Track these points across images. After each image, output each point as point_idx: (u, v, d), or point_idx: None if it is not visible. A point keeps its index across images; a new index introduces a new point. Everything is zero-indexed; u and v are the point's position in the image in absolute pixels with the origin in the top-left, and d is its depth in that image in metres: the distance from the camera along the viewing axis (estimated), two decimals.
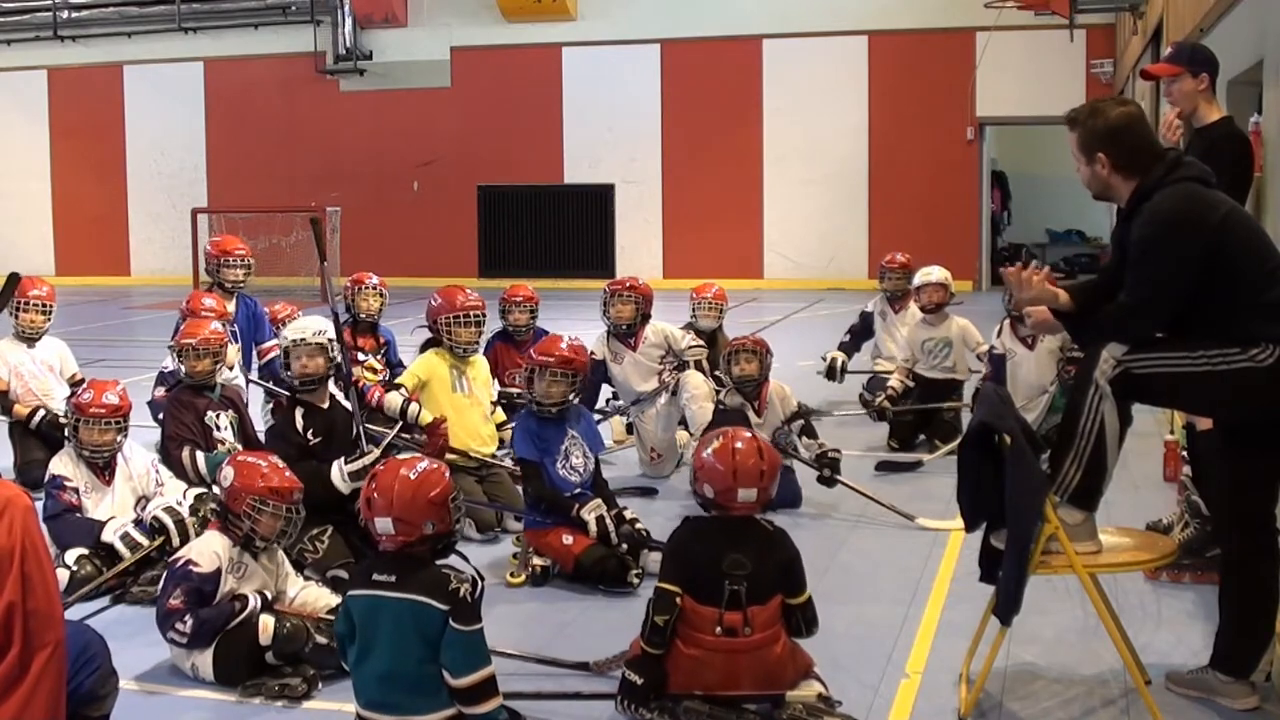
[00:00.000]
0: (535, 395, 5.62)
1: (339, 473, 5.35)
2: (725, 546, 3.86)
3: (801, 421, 6.75)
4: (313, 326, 5.79)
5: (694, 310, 8.72)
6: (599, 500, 5.57)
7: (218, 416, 6.34)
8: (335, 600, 4.64)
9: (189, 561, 4.47)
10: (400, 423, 6.59)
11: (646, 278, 8.98)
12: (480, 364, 6.94)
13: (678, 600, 3.81)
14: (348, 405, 5.77)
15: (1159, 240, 3.85)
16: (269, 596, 4.51)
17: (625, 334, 7.64)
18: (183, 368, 6.41)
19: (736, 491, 3.91)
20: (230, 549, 4.51)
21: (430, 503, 3.63)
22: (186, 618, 4.34)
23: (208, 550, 4.50)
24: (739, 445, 3.99)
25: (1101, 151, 3.97)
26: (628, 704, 3.84)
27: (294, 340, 5.69)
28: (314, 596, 4.72)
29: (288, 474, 4.65)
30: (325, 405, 5.75)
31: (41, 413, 7.23)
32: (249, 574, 4.55)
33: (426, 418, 6.43)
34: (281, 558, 4.75)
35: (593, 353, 7.53)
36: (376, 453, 5.44)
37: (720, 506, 3.95)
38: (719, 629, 3.81)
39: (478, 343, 6.78)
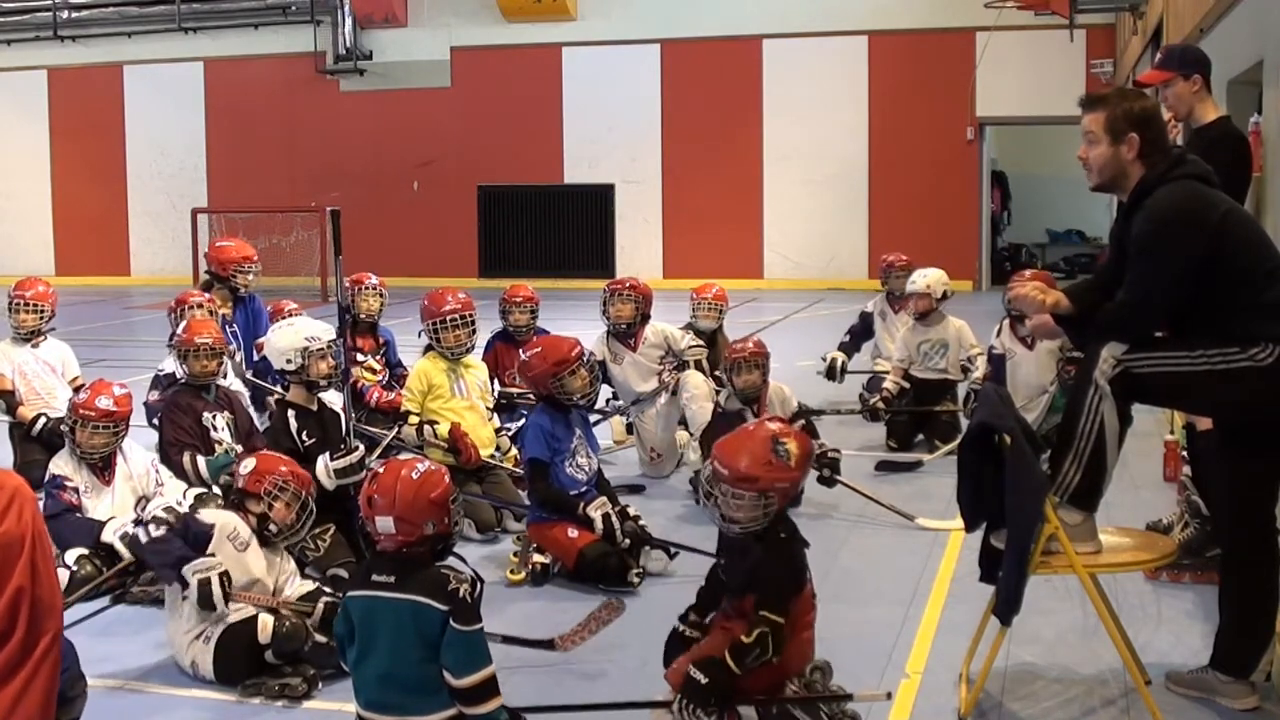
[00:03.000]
0: (566, 395, 5.63)
1: (324, 468, 5.35)
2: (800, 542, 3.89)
3: (801, 422, 6.75)
4: (321, 328, 5.82)
5: (694, 310, 8.71)
6: (604, 498, 5.59)
7: (214, 418, 6.33)
8: (309, 587, 4.70)
9: (195, 509, 4.73)
10: (399, 425, 6.60)
11: (646, 278, 8.99)
12: (477, 367, 6.93)
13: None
14: (334, 407, 5.76)
15: (1159, 238, 3.85)
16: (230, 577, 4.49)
17: (625, 334, 7.64)
18: (184, 368, 6.39)
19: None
20: (237, 523, 4.59)
21: (431, 503, 3.63)
22: (162, 529, 4.48)
23: (215, 512, 4.65)
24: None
25: (1135, 132, 3.95)
26: (687, 704, 3.68)
27: (317, 345, 5.72)
28: (300, 590, 4.74)
29: (305, 471, 4.87)
30: (315, 408, 5.75)
31: (43, 420, 7.22)
32: (250, 551, 4.58)
33: (443, 430, 6.44)
34: (286, 556, 4.77)
35: (592, 353, 7.52)
36: (361, 449, 5.45)
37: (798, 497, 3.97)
38: (813, 596, 3.87)
39: (467, 345, 6.73)
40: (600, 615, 4.66)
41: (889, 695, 3.94)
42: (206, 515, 4.63)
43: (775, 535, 3.79)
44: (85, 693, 3.33)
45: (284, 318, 7.77)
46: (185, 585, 4.41)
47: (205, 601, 4.37)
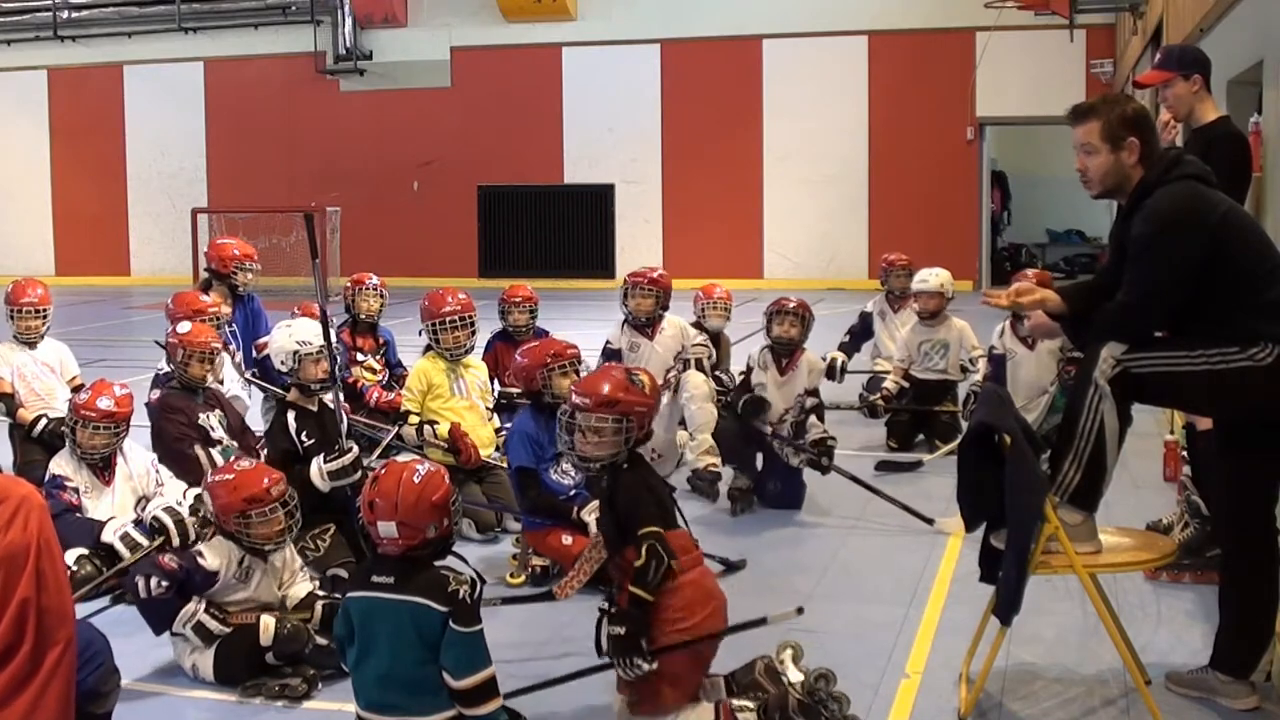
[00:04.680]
0: (552, 392, 5.60)
1: (318, 471, 5.34)
2: (656, 474, 4.00)
3: (815, 400, 6.76)
4: (316, 331, 5.83)
5: (702, 310, 8.72)
6: (598, 501, 5.57)
7: (208, 417, 6.34)
8: (307, 589, 4.68)
9: (199, 551, 4.54)
10: (399, 425, 6.60)
11: None
12: (477, 367, 6.93)
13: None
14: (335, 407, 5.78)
15: (1158, 239, 3.85)
16: (216, 603, 4.50)
17: (644, 325, 7.67)
18: (182, 371, 6.36)
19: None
20: (236, 556, 4.54)
21: (434, 506, 3.62)
22: (164, 582, 4.38)
23: (217, 551, 4.53)
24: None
25: (1134, 136, 3.95)
26: (620, 660, 3.70)
27: (307, 349, 5.72)
28: (297, 592, 4.72)
29: (264, 476, 4.61)
30: (315, 408, 5.75)
31: (44, 421, 7.20)
32: (254, 574, 4.57)
33: (444, 430, 6.44)
34: (290, 554, 4.76)
35: (609, 341, 7.62)
36: (355, 450, 5.44)
37: (649, 436, 4.07)
38: (694, 541, 3.91)
39: (466, 345, 6.74)
40: (592, 556, 4.68)
41: (799, 610, 3.95)
42: (212, 555, 4.51)
43: (621, 471, 3.94)
44: (119, 686, 3.33)
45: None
46: (175, 634, 4.47)
47: (209, 640, 4.41)
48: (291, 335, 5.78)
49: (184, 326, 6.53)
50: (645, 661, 3.67)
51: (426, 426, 6.51)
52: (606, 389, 3.98)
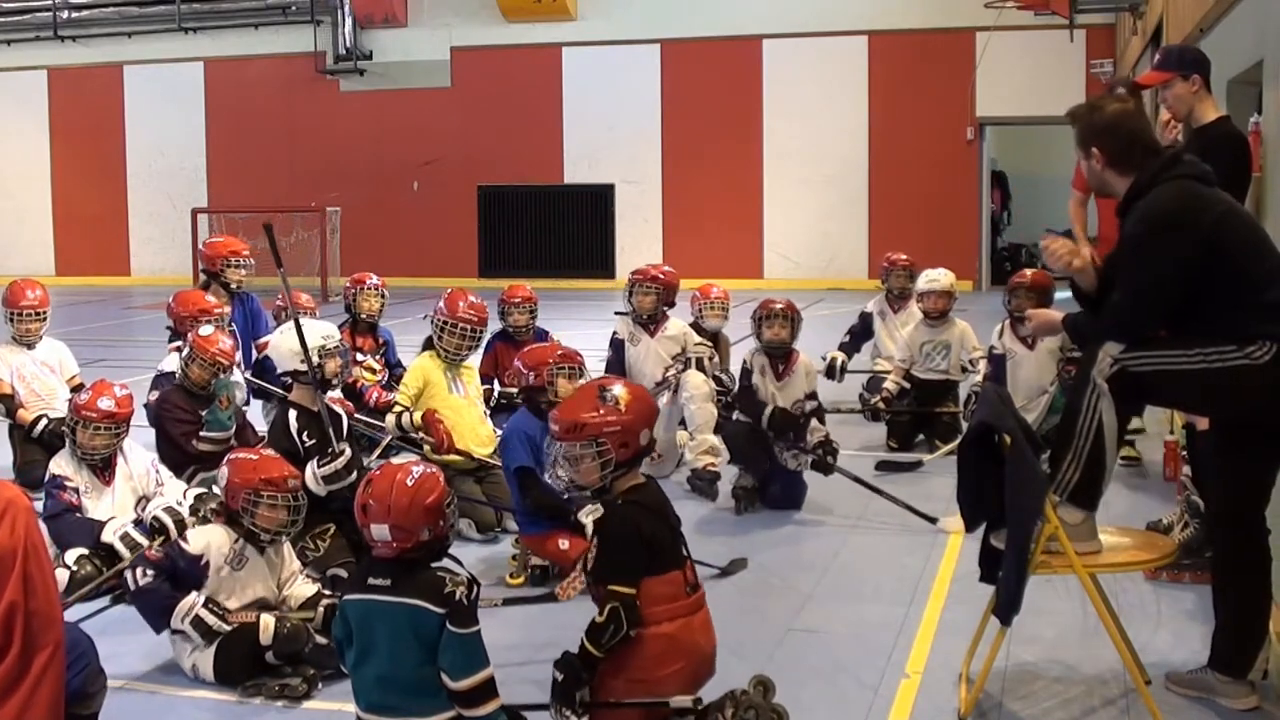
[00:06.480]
0: (554, 391, 5.57)
1: (312, 475, 5.32)
2: (664, 502, 3.76)
3: (815, 403, 6.76)
4: (329, 328, 5.84)
5: (701, 310, 8.73)
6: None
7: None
8: (312, 590, 4.69)
9: (183, 537, 4.63)
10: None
11: None
12: (473, 370, 6.94)
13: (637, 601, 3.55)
14: (337, 408, 5.77)
15: (1148, 239, 3.86)
16: (216, 600, 4.50)
17: (646, 321, 7.72)
18: (188, 370, 6.36)
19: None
20: (231, 540, 4.55)
21: (427, 509, 3.61)
22: (149, 571, 4.43)
23: (201, 536, 4.57)
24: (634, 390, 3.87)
25: (1095, 146, 4.01)
26: (555, 707, 3.59)
27: (332, 343, 5.72)
28: (301, 592, 4.73)
29: (285, 467, 4.68)
30: (317, 409, 5.75)
31: (44, 422, 7.21)
32: (250, 567, 4.57)
33: (418, 418, 6.44)
34: (288, 554, 4.76)
35: (615, 332, 7.75)
36: (348, 453, 5.42)
37: (649, 449, 3.77)
38: (688, 588, 3.67)
39: (465, 355, 6.76)
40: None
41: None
42: (195, 539, 4.54)
43: (612, 504, 3.72)
44: (105, 687, 3.33)
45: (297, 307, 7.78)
46: (175, 631, 4.47)
47: (208, 636, 4.41)
48: (313, 332, 5.76)
49: (206, 329, 6.52)
50: (575, 715, 3.56)
51: (404, 415, 6.51)
52: (573, 413, 3.74)
